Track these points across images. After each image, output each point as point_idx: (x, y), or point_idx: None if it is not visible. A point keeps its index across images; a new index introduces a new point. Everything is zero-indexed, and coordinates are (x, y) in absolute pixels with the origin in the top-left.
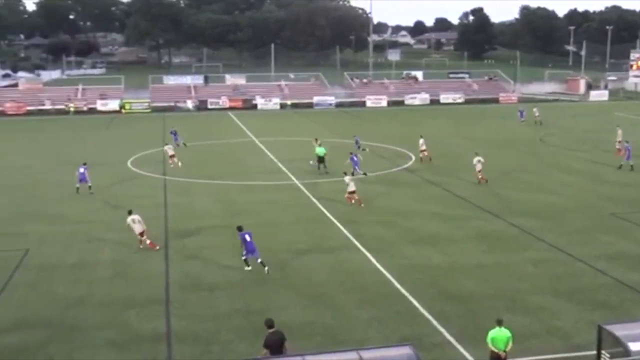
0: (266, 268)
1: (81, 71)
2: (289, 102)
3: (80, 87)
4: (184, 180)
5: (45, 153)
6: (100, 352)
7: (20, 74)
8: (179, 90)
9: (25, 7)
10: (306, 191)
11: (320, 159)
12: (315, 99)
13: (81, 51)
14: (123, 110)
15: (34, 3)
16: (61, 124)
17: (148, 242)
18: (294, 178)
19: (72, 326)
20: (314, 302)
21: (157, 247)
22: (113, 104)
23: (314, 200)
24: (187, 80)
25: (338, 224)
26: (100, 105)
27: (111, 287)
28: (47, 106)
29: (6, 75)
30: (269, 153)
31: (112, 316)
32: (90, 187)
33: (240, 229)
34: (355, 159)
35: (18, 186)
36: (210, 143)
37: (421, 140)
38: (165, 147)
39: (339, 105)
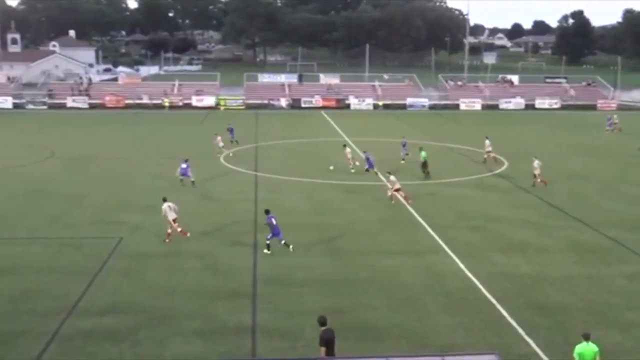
0: (290, 247)
1: (178, 67)
2: (381, 103)
3: (176, 82)
4: (275, 177)
5: (141, 145)
6: (187, 340)
7: (120, 68)
8: (273, 88)
9: (127, 4)
10: (396, 193)
11: (424, 163)
12: (409, 101)
13: (179, 48)
14: (221, 107)
15: (136, 1)
16: (157, 118)
17: (179, 229)
18: (384, 179)
19: (161, 314)
20: (400, 305)
21: (188, 234)
22: (208, 100)
23: (404, 202)
24: (282, 78)
25: (427, 227)
26: (195, 100)
27: (200, 279)
28: (145, 100)
29: (107, 70)
30: (360, 153)
31: (200, 306)
32: (193, 182)
33: (267, 212)
34: (370, 158)
35: (115, 176)
36: (303, 141)
37: (487, 142)
38: (218, 139)
39: (432, 107)
